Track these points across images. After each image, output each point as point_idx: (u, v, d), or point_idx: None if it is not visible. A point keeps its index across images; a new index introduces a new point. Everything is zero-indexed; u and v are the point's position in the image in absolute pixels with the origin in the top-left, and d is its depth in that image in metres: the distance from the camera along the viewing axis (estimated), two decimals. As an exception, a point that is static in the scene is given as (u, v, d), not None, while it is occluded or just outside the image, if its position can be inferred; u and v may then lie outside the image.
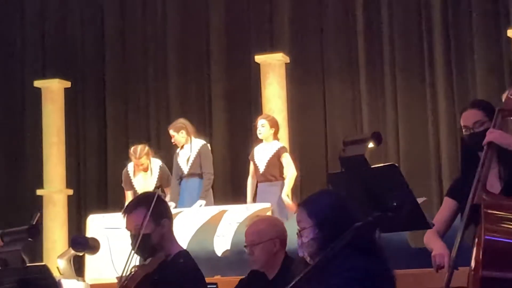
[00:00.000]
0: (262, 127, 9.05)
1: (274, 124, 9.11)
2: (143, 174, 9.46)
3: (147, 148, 9.50)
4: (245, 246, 4.54)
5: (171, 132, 9.38)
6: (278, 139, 9.20)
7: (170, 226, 4.34)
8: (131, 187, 9.48)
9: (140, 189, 9.25)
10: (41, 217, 5.07)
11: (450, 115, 10.72)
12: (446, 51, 10.93)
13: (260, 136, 9.09)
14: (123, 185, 9.69)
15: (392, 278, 3.55)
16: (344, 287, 3.34)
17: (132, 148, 9.50)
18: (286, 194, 8.82)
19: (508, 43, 10.24)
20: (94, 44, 12.81)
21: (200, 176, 9.32)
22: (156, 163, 9.55)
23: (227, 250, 8.35)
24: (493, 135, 4.07)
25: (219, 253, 8.35)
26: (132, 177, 9.50)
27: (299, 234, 3.62)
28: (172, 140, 9.41)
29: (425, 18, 11.14)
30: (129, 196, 9.34)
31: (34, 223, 4.74)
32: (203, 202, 9.13)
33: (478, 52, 10.74)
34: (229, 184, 11.60)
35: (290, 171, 8.96)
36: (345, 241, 3.39)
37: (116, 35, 12.70)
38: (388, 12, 11.29)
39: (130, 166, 9.57)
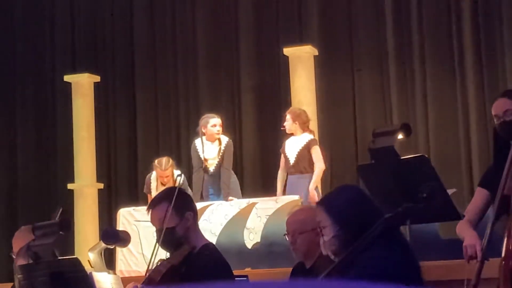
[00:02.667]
0: (287, 122, 9.05)
1: (296, 117, 9.04)
2: (161, 187, 9.37)
3: (171, 160, 9.47)
4: (285, 235, 4.53)
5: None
6: (310, 131, 9.16)
7: (195, 219, 4.35)
8: (150, 192, 9.46)
9: None
10: (65, 211, 5.10)
11: (480, 105, 10.65)
12: (475, 40, 10.86)
13: (286, 131, 9.08)
14: (145, 191, 9.71)
15: (418, 268, 3.54)
16: (369, 277, 3.33)
17: (156, 160, 9.44)
18: (314, 187, 8.80)
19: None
20: (123, 38, 12.86)
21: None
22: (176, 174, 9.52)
23: (257, 243, 8.37)
24: None
25: (249, 245, 8.37)
26: (152, 187, 9.46)
27: (320, 233, 3.61)
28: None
29: (454, 8, 11.06)
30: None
31: (57, 218, 4.77)
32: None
33: (508, 41, 10.65)
34: (258, 177, 11.60)
35: (318, 165, 8.94)
36: (375, 233, 3.38)
37: (146, 29, 12.74)
38: (417, 2, 11.23)
39: (154, 176, 9.54)
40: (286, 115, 9.10)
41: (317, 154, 8.99)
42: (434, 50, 11.11)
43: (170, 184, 9.25)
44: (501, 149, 4.19)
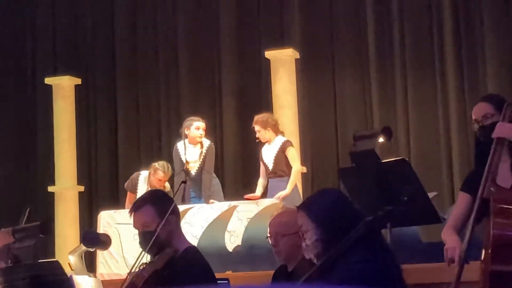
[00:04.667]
0: (258, 133, 9.03)
1: (266, 124, 9.01)
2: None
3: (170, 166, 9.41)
4: (267, 237, 4.53)
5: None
6: (282, 133, 9.15)
7: (178, 223, 4.35)
8: (135, 192, 9.39)
9: None
10: (30, 215, 5.08)
11: (461, 109, 10.70)
12: (456, 44, 10.91)
13: (262, 141, 9.08)
14: (126, 186, 9.61)
15: (399, 272, 3.55)
16: (351, 281, 3.34)
17: (157, 163, 9.32)
18: (291, 188, 8.79)
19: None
20: (104, 40, 12.84)
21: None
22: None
23: (238, 246, 8.36)
24: (501, 129, 4.06)
25: (230, 248, 8.36)
26: (140, 189, 9.37)
27: (302, 238, 3.61)
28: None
29: (436, 12, 11.11)
30: (131, 199, 9.25)
31: (25, 222, 4.76)
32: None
33: (489, 46, 10.70)
34: (240, 180, 11.60)
35: (294, 165, 8.93)
36: (356, 235, 3.39)
37: (127, 31, 12.72)
38: (398, 7, 11.27)
39: (143, 177, 9.46)
40: (254, 127, 9.07)
41: (292, 155, 8.99)
42: (415, 54, 11.15)
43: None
44: (481, 153, 4.21)
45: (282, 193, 8.70)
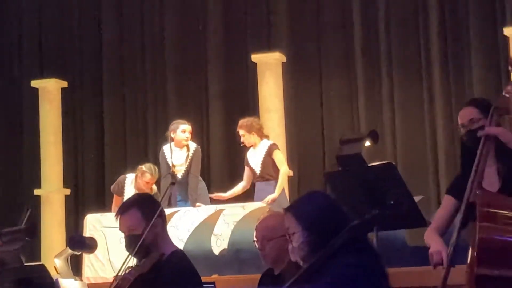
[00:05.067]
0: (243, 137, 9.02)
1: (251, 129, 9.01)
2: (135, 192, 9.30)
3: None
4: (254, 241, 4.52)
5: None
6: (267, 137, 9.15)
7: (164, 226, 4.34)
8: (121, 194, 9.37)
9: None
10: (31, 215, 5.06)
11: (447, 113, 10.73)
12: (443, 48, 10.94)
13: (246, 145, 9.08)
14: (112, 190, 9.57)
15: (385, 275, 3.56)
16: (338, 284, 3.34)
17: (144, 166, 9.30)
18: (279, 192, 8.79)
19: (505, 41, 10.25)
20: (91, 43, 12.80)
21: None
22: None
23: (224, 249, 8.36)
24: (495, 130, 4.08)
25: (216, 252, 8.37)
26: (126, 192, 9.35)
27: (289, 240, 3.62)
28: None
29: (422, 16, 11.14)
30: (117, 202, 9.24)
31: (25, 223, 4.75)
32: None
33: (475, 50, 10.74)
34: (226, 183, 11.56)
35: (282, 168, 8.94)
36: (343, 239, 3.40)
37: (114, 34, 12.69)
38: (385, 10, 11.29)
39: (130, 180, 9.44)
40: (238, 131, 9.06)
41: (279, 157, 9.00)
42: (402, 58, 11.18)
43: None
44: (468, 157, 4.23)
45: (270, 197, 8.70)
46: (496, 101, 4.22)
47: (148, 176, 9.17)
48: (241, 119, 9.20)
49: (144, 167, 9.25)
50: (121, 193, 9.36)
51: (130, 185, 9.35)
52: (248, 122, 9.11)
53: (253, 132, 8.98)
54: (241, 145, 9.10)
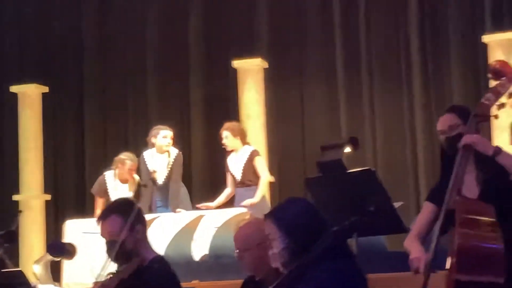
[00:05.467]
0: (226, 139, 9.00)
1: (237, 132, 9.03)
2: (120, 186, 9.31)
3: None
4: (235, 251, 4.52)
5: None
6: (248, 143, 9.16)
7: (145, 232, 4.34)
8: (104, 194, 9.34)
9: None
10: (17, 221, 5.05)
11: (427, 120, 10.77)
12: (423, 56, 11.00)
13: (227, 148, 9.06)
14: (94, 191, 9.54)
15: (365, 281, 3.57)
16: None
17: (122, 155, 9.28)
18: (260, 198, 8.78)
19: (484, 49, 10.31)
20: (72, 48, 12.77)
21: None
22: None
23: (205, 255, 8.35)
24: (470, 138, 4.10)
25: (196, 258, 8.35)
26: (110, 188, 9.33)
27: (270, 246, 3.62)
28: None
29: (402, 24, 11.19)
30: (100, 204, 9.23)
31: (14, 228, 4.73)
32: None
33: (455, 58, 10.81)
34: (207, 189, 11.57)
35: (263, 175, 8.94)
36: (323, 246, 3.41)
37: (95, 39, 12.66)
38: (366, 18, 11.33)
39: (110, 175, 9.41)
40: (222, 133, 9.05)
41: (260, 164, 9.00)
42: (382, 65, 11.23)
43: (131, 181, 9.19)
44: (447, 164, 4.25)
45: (249, 201, 8.69)
46: (476, 108, 4.25)
47: (129, 163, 9.18)
48: (222, 125, 9.20)
49: (122, 156, 9.25)
50: (104, 193, 9.32)
51: (113, 180, 9.32)
52: (235, 125, 9.14)
53: (237, 136, 8.99)
54: (223, 147, 9.08)
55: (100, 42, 12.67)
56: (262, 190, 8.88)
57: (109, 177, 9.36)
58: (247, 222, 4.74)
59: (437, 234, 4.02)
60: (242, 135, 9.05)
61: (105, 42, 12.66)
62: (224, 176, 9.33)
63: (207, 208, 8.92)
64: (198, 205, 9.07)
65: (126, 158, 9.20)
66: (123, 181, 9.20)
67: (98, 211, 8.71)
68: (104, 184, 9.35)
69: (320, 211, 3.72)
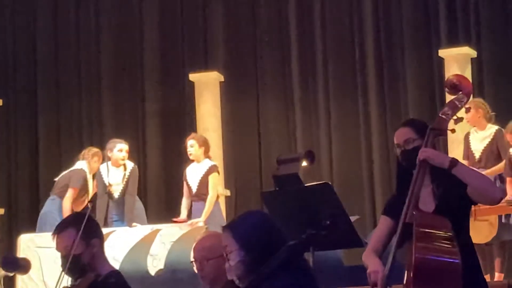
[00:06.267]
0: (191, 147, 8.98)
1: (203, 143, 9.03)
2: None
3: None
4: (192, 262, 4.48)
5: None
6: (209, 157, 9.14)
7: (101, 246, 4.30)
8: (85, 189, 9.27)
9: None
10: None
11: (383, 133, 10.84)
12: (378, 71, 11.07)
13: (191, 157, 9.02)
14: (79, 185, 9.41)
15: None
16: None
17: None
18: (206, 217, 8.71)
19: (440, 63, 10.41)
20: (26, 60, 12.65)
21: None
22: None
23: (160, 270, 8.31)
24: (426, 153, 4.11)
25: (152, 272, 8.31)
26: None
27: (226, 258, 3.60)
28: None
29: (358, 37, 11.27)
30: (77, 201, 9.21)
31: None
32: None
33: (411, 72, 10.89)
34: (163, 203, 11.53)
35: (210, 193, 8.85)
36: (279, 260, 3.39)
37: (49, 51, 12.56)
38: (321, 31, 11.39)
39: (83, 166, 9.35)
40: (188, 141, 9.04)
41: (213, 181, 8.94)
42: (338, 79, 11.29)
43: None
44: (403, 177, 4.25)
45: (195, 221, 8.65)
46: (433, 122, 4.26)
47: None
48: (179, 138, 9.20)
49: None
50: (85, 187, 9.22)
51: (106, 170, 9.19)
52: (203, 138, 9.20)
53: (202, 147, 8.98)
54: (189, 155, 9.00)
55: (53, 54, 12.55)
56: (208, 210, 8.76)
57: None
58: (208, 234, 4.72)
59: (394, 248, 4.03)
60: (206, 147, 9.04)
61: (58, 55, 12.55)
62: (180, 189, 9.29)
63: (181, 221, 8.85)
64: (174, 219, 8.99)
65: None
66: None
67: (76, 203, 8.98)
68: (85, 181, 9.26)
69: (277, 225, 3.71)
